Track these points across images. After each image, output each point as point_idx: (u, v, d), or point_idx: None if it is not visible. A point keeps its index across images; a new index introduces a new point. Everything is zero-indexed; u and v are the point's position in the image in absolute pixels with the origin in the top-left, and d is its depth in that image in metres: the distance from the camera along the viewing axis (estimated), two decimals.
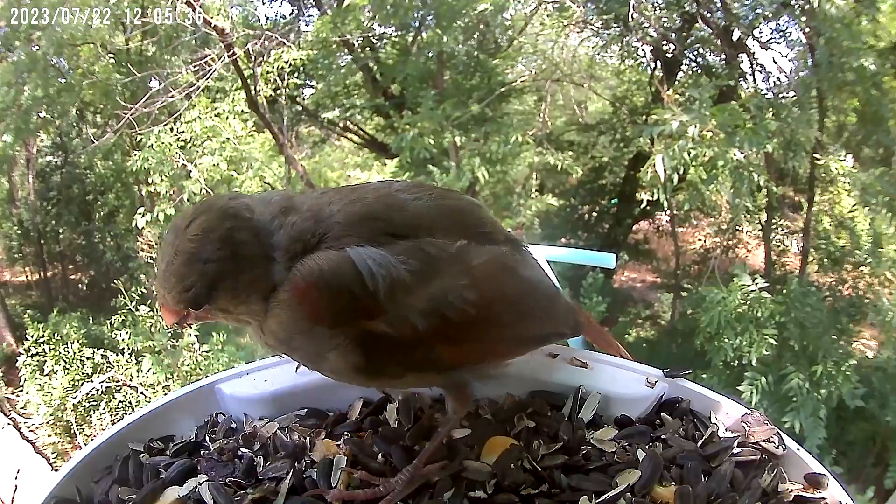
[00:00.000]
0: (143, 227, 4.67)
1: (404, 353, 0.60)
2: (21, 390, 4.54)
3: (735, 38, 5.32)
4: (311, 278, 0.57)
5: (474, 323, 0.60)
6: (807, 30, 4.68)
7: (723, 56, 5.58)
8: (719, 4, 5.27)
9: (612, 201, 7.47)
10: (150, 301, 4.57)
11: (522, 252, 0.72)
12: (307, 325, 0.59)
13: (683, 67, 6.27)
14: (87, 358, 4.27)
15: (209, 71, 5.16)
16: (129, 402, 4.10)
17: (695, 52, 6.05)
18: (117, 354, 4.29)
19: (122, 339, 4.25)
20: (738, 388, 3.79)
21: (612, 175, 7.54)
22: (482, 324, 0.62)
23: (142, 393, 4.10)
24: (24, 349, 4.34)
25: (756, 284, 3.87)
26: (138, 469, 0.69)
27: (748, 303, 3.84)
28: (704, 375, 4.07)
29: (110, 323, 4.41)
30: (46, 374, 4.27)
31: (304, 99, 7.03)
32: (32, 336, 4.25)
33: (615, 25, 5.80)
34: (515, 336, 0.67)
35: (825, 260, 5.11)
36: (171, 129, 4.74)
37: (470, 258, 0.62)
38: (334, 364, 0.60)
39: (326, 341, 0.59)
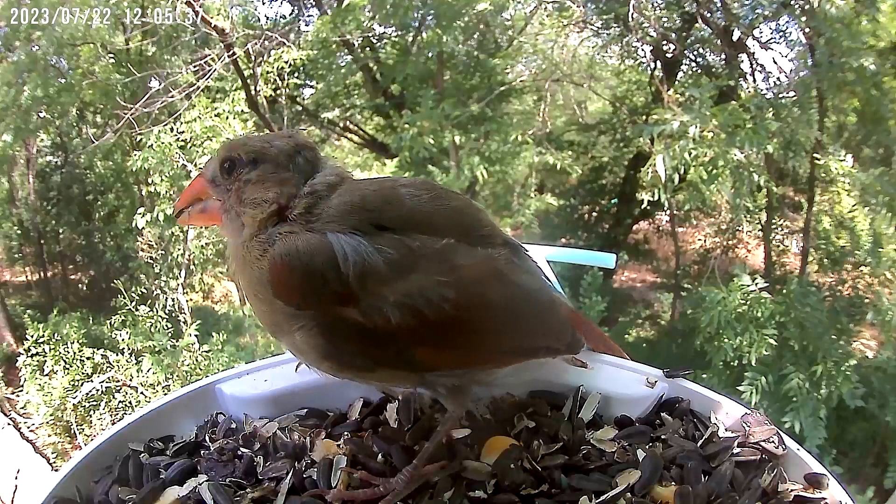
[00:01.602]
0: (143, 227, 4.67)
1: (376, 346, 0.59)
2: (21, 390, 4.54)
3: (735, 38, 5.32)
4: (286, 258, 0.58)
5: (452, 324, 0.59)
6: (807, 30, 4.68)
7: (723, 56, 5.58)
8: (719, 4, 5.27)
9: (612, 201, 7.47)
10: (150, 301, 4.57)
11: (521, 256, 0.71)
12: (272, 299, 0.60)
13: (683, 67, 6.28)
14: (87, 358, 4.27)
15: (209, 71, 5.16)
16: (129, 402, 4.11)
17: (695, 52, 6.05)
18: (117, 354, 4.29)
19: (122, 339, 4.25)
20: (738, 388, 3.78)
21: (612, 175, 7.54)
22: (461, 327, 0.60)
23: (142, 393, 4.11)
24: (24, 349, 4.34)
25: (756, 284, 3.87)
26: (138, 469, 0.69)
27: (748, 303, 3.84)
28: (704, 375, 4.07)
29: (110, 323, 4.42)
30: (46, 374, 4.27)
31: (304, 99, 7.03)
32: (32, 336, 4.25)
33: (615, 25, 5.80)
34: (499, 345, 0.64)
35: (825, 260, 5.11)
36: (171, 129, 4.73)
37: (456, 258, 0.61)
38: (300, 345, 0.61)
39: (290, 320, 0.59)
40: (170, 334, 4.33)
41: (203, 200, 0.67)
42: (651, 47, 5.89)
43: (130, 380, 4.19)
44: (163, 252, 5.23)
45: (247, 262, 0.62)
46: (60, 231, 7.20)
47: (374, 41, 6.32)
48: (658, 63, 6.07)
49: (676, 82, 5.93)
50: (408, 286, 0.57)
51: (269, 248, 0.60)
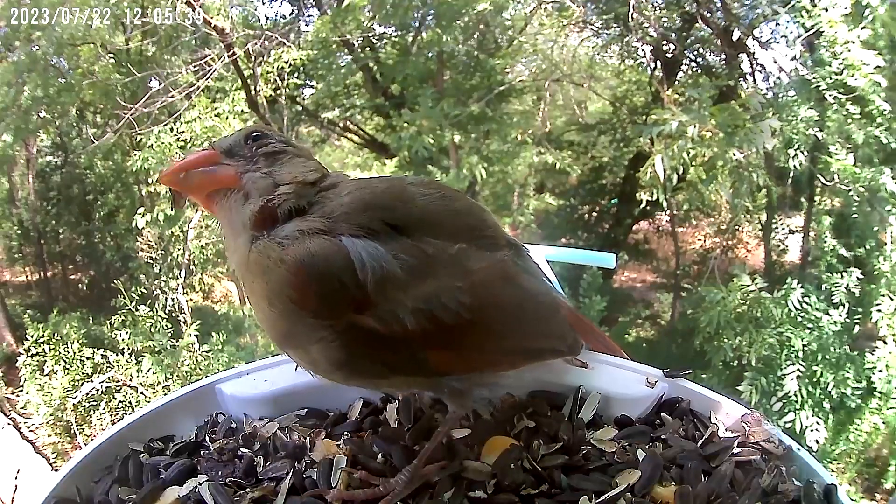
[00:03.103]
0: (143, 227, 4.67)
1: (390, 353, 0.58)
2: (21, 390, 4.54)
3: (735, 38, 5.32)
4: (302, 263, 0.56)
5: (466, 329, 0.59)
6: (807, 30, 4.68)
7: (723, 56, 5.59)
8: (719, 4, 5.27)
9: (612, 201, 7.47)
10: (150, 301, 4.57)
11: (523, 257, 0.71)
12: (290, 308, 0.57)
13: (683, 67, 6.28)
14: (87, 358, 4.27)
15: (209, 71, 5.17)
16: (129, 402, 4.11)
17: (695, 52, 6.06)
18: (117, 354, 4.29)
19: (122, 339, 4.26)
20: (738, 388, 3.78)
21: (612, 175, 7.54)
22: (474, 331, 0.60)
23: (142, 393, 4.11)
24: (24, 349, 4.34)
25: (756, 284, 3.87)
26: (138, 469, 0.69)
27: (748, 303, 3.83)
28: (704, 375, 4.07)
29: (110, 323, 4.42)
30: (46, 374, 4.27)
31: (304, 99, 7.03)
32: (32, 336, 4.25)
33: (615, 25, 5.81)
34: (508, 348, 0.65)
35: (825, 260, 5.11)
36: (171, 129, 4.73)
37: (468, 262, 0.61)
38: (315, 355, 0.59)
39: (310, 333, 0.58)
40: (170, 334, 4.34)
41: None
42: (651, 47, 5.89)
43: (130, 380, 4.19)
44: (163, 252, 5.23)
45: (261, 265, 0.59)
46: (60, 231, 7.20)
47: (374, 41, 6.33)
48: (658, 63, 6.07)
49: (676, 82, 5.93)
50: (424, 292, 0.57)
51: (288, 250, 0.57)
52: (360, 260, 0.56)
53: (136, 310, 4.30)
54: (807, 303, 3.99)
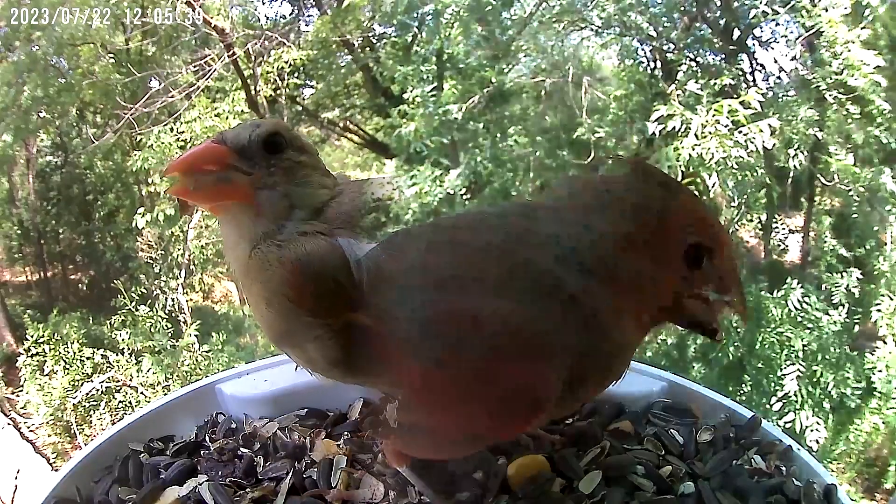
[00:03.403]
0: (143, 227, 4.67)
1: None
2: (21, 390, 4.54)
3: (735, 37, 5.32)
4: (298, 263, 0.57)
5: None
6: (807, 29, 4.68)
7: (723, 56, 5.58)
8: (719, 4, 5.27)
9: None
10: (150, 301, 4.57)
11: None
12: (288, 307, 0.57)
13: (683, 67, 6.27)
14: (87, 358, 4.27)
15: (209, 71, 5.17)
16: (129, 402, 4.11)
17: (695, 52, 6.05)
18: (117, 354, 4.29)
19: (122, 339, 4.26)
20: (739, 388, 3.78)
21: None
22: None
23: (142, 393, 4.11)
24: (24, 349, 4.34)
25: (756, 285, 3.87)
26: (138, 469, 0.69)
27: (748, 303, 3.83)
28: (705, 374, 4.07)
29: (110, 323, 4.42)
30: (46, 374, 4.27)
31: (304, 99, 7.03)
32: (32, 336, 4.25)
33: (615, 25, 5.80)
34: None
35: (825, 260, 5.11)
36: (171, 129, 4.74)
37: None
38: (314, 355, 0.60)
39: (307, 331, 0.58)
40: (170, 334, 4.34)
41: (216, 172, 0.58)
42: (651, 47, 5.89)
43: (130, 380, 4.19)
44: (163, 252, 5.23)
45: (259, 266, 0.59)
46: (60, 231, 7.20)
47: (374, 41, 6.33)
48: (658, 63, 6.07)
49: (677, 81, 5.93)
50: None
51: (286, 251, 0.57)
52: (356, 258, 0.57)
53: (136, 310, 4.30)
54: (807, 303, 3.99)
